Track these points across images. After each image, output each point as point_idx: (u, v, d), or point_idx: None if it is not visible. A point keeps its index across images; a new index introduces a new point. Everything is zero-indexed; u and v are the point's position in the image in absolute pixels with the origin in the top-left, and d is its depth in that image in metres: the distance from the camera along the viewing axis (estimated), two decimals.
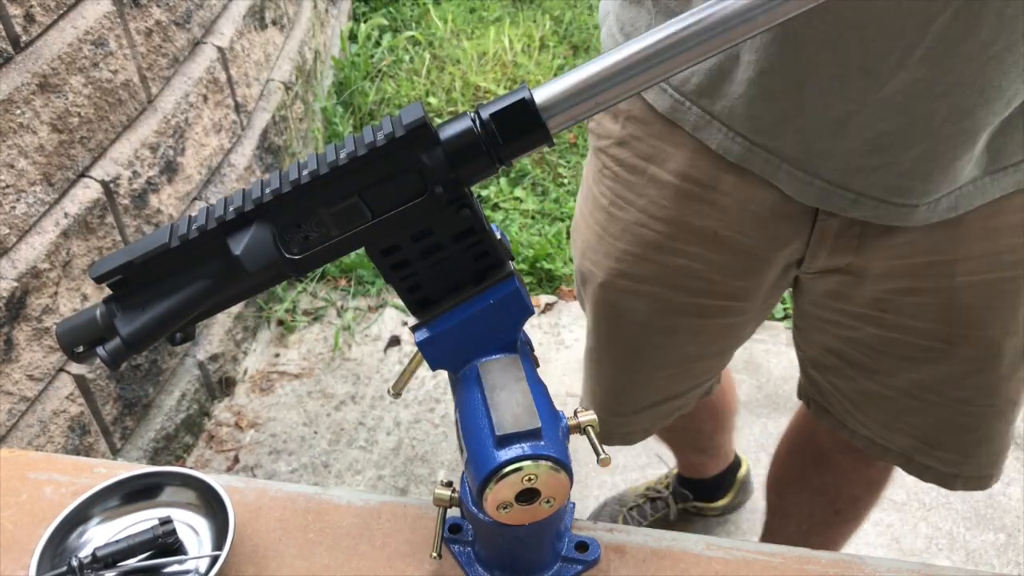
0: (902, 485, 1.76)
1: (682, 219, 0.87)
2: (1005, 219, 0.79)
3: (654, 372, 1.04)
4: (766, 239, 0.86)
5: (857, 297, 0.88)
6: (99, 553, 0.61)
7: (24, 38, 1.28)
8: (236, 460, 1.84)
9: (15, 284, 1.29)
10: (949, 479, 0.98)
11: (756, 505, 1.74)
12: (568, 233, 2.22)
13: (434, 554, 0.60)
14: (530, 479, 0.49)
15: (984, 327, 0.85)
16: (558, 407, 0.54)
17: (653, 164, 0.86)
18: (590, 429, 0.55)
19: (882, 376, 0.94)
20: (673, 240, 0.89)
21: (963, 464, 0.97)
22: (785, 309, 2.13)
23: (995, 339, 0.86)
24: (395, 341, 2.05)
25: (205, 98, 1.78)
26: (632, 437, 1.14)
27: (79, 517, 0.65)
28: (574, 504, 0.66)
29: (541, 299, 2.15)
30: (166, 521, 0.63)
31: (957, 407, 0.92)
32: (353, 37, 2.86)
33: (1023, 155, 0.76)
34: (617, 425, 1.12)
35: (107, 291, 0.49)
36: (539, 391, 0.52)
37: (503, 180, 2.44)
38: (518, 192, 2.41)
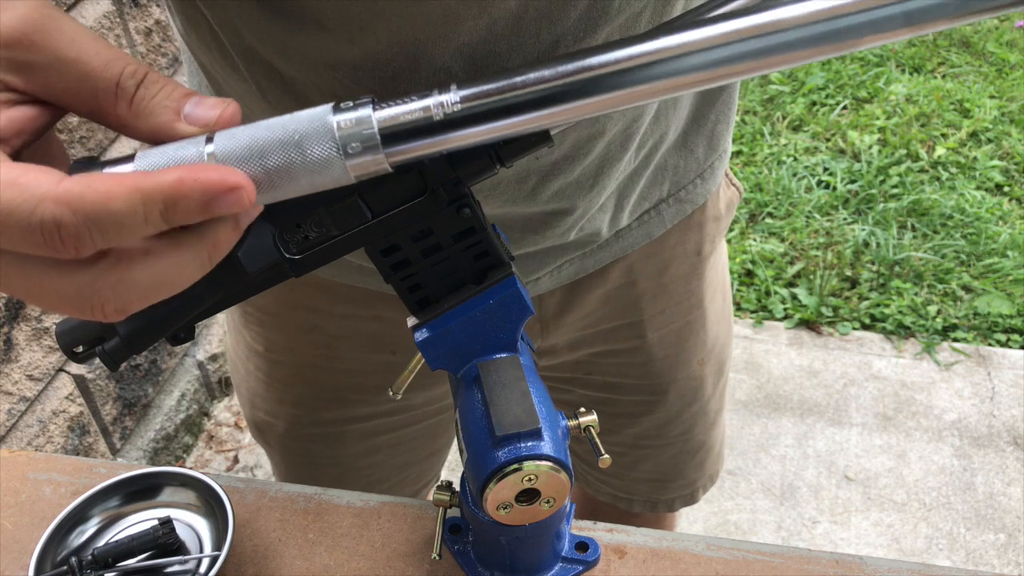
0: (902, 485, 1.76)
1: (350, 355, 0.80)
2: (675, 271, 0.79)
3: (365, 491, 0.94)
4: None
5: (558, 364, 0.86)
6: (99, 553, 0.61)
7: None
8: (236, 460, 1.84)
9: None
10: (690, 497, 1.00)
11: (756, 505, 1.74)
12: None
13: (435, 555, 0.60)
14: (530, 479, 0.49)
15: (685, 367, 0.86)
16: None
17: (298, 311, 0.78)
18: (591, 429, 0.55)
19: (605, 436, 0.92)
20: (350, 376, 0.81)
21: (699, 479, 0.99)
22: (786, 309, 2.13)
23: (695, 372, 0.87)
24: None
25: None
26: None
27: (79, 517, 0.65)
28: (574, 504, 0.66)
29: None
30: (166, 521, 0.63)
31: (680, 440, 0.92)
32: None
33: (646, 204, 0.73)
34: None
35: None
36: (539, 391, 0.52)
37: None
38: None
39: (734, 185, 0.83)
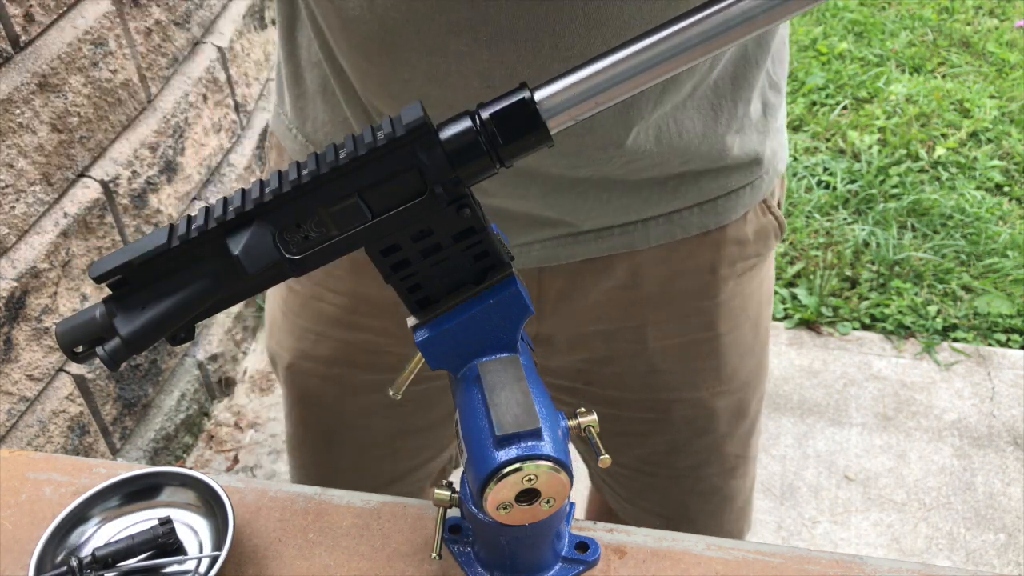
0: (902, 485, 1.76)
1: (360, 290, 0.80)
2: (684, 284, 0.78)
3: (358, 458, 0.94)
4: None
5: (557, 369, 0.84)
6: (99, 553, 0.61)
7: (24, 38, 1.28)
8: (236, 460, 1.84)
9: (15, 284, 1.29)
10: None
11: (758, 505, 1.74)
12: None
13: (435, 555, 0.60)
14: (530, 479, 0.49)
15: (691, 389, 0.83)
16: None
17: None
18: (591, 429, 0.55)
19: (613, 454, 0.91)
20: (352, 313, 0.82)
21: (715, 534, 0.95)
22: (786, 309, 2.13)
23: (705, 400, 0.84)
24: None
25: (205, 98, 1.78)
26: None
27: (79, 517, 0.65)
28: (574, 504, 0.66)
29: None
30: (166, 521, 0.63)
31: (690, 475, 0.90)
32: None
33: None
34: None
35: (107, 291, 0.49)
36: (539, 391, 0.52)
37: None
38: None
39: (772, 214, 0.80)
